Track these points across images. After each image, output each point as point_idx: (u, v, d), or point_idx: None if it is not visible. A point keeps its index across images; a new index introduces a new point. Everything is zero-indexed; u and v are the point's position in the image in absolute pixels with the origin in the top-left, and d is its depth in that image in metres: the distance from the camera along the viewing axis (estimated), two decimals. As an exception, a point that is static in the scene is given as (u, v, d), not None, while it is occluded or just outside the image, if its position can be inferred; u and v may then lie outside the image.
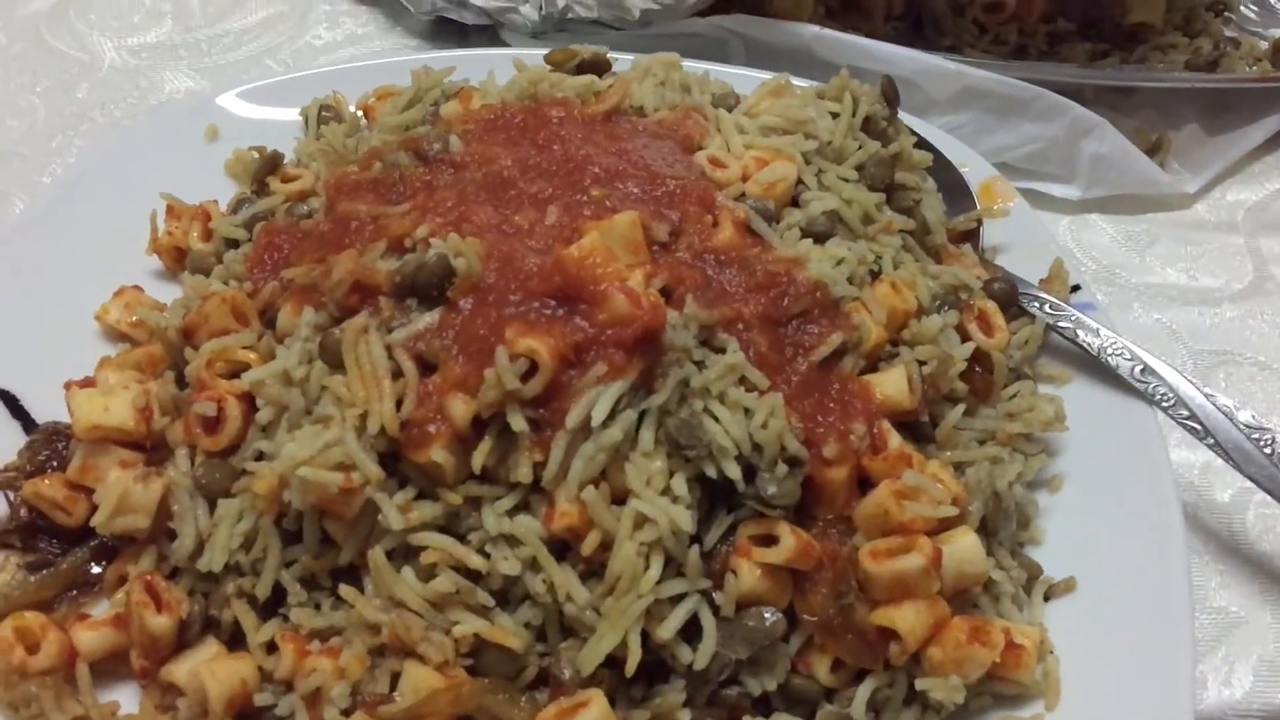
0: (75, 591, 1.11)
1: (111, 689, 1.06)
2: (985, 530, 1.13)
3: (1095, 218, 1.65)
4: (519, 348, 1.00)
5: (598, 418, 1.00)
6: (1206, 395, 1.23)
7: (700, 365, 1.06)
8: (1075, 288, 1.37)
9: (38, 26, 1.82)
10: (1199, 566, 1.28)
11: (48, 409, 1.20)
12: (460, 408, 1.01)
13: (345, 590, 1.02)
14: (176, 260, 1.36)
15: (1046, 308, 1.32)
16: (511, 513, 1.02)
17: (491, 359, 1.01)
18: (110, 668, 1.07)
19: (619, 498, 1.02)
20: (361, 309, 1.08)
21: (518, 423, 1.01)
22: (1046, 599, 1.14)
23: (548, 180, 1.17)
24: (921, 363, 1.16)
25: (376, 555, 1.00)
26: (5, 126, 1.66)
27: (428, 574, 1.01)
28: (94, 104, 1.71)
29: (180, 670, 1.03)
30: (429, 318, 1.06)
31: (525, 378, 1.01)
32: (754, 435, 1.04)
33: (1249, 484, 1.31)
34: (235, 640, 1.07)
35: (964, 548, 1.07)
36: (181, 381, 1.18)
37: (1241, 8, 1.99)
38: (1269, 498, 1.25)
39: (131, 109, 1.70)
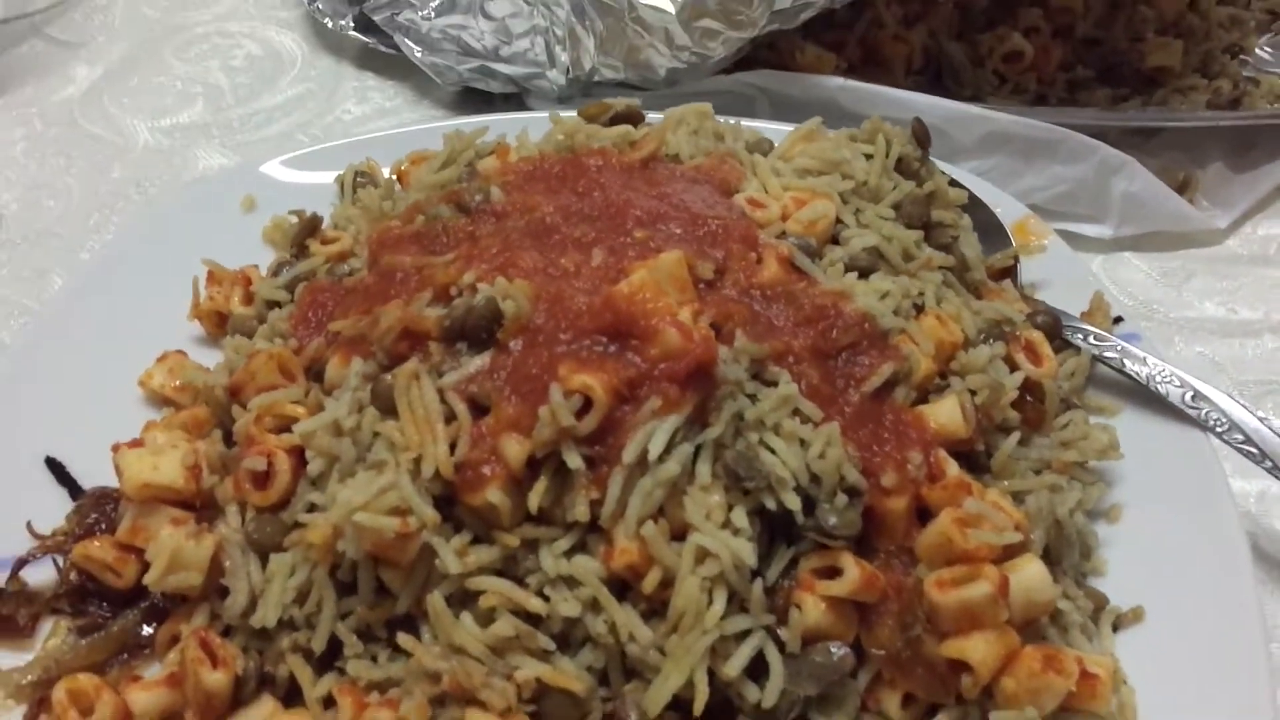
0: (126, 655, 1.09)
1: (166, 753, 1.04)
2: (1049, 559, 1.11)
3: (1129, 256, 1.65)
4: (573, 384, 1.00)
5: (654, 451, 0.99)
6: (1261, 419, 1.21)
7: (753, 398, 1.05)
8: (1118, 319, 1.36)
9: (71, 111, 1.85)
10: (1263, 596, 1.25)
11: (94, 476, 1.20)
12: (515, 448, 1.00)
13: (403, 639, 1.00)
14: (218, 325, 1.37)
15: (1091, 339, 1.31)
16: (569, 554, 1.01)
17: (544, 398, 1.00)
18: (164, 730, 1.05)
19: (678, 534, 1.00)
20: (411, 356, 1.08)
21: (574, 460, 1.00)
22: (1115, 629, 1.12)
23: (590, 225, 1.17)
24: (973, 392, 1.15)
25: (435, 600, 0.99)
26: (43, 207, 1.68)
27: (486, 619, 1.00)
28: (129, 182, 1.73)
29: (237, 729, 1.01)
30: (480, 360, 1.05)
31: (579, 415, 1.00)
32: (811, 466, 1.02)
33: (1309, 510, 1.30)
34: (291, 697, 1.05)
35: (1030, 575, 1.04)
36: (229, 441, 1.18)
37: (1257, 49, 2.01)
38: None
39: (166, 186, 1.72)
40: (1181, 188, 1.69)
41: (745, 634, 0.99)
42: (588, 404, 1.00)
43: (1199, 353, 1.51)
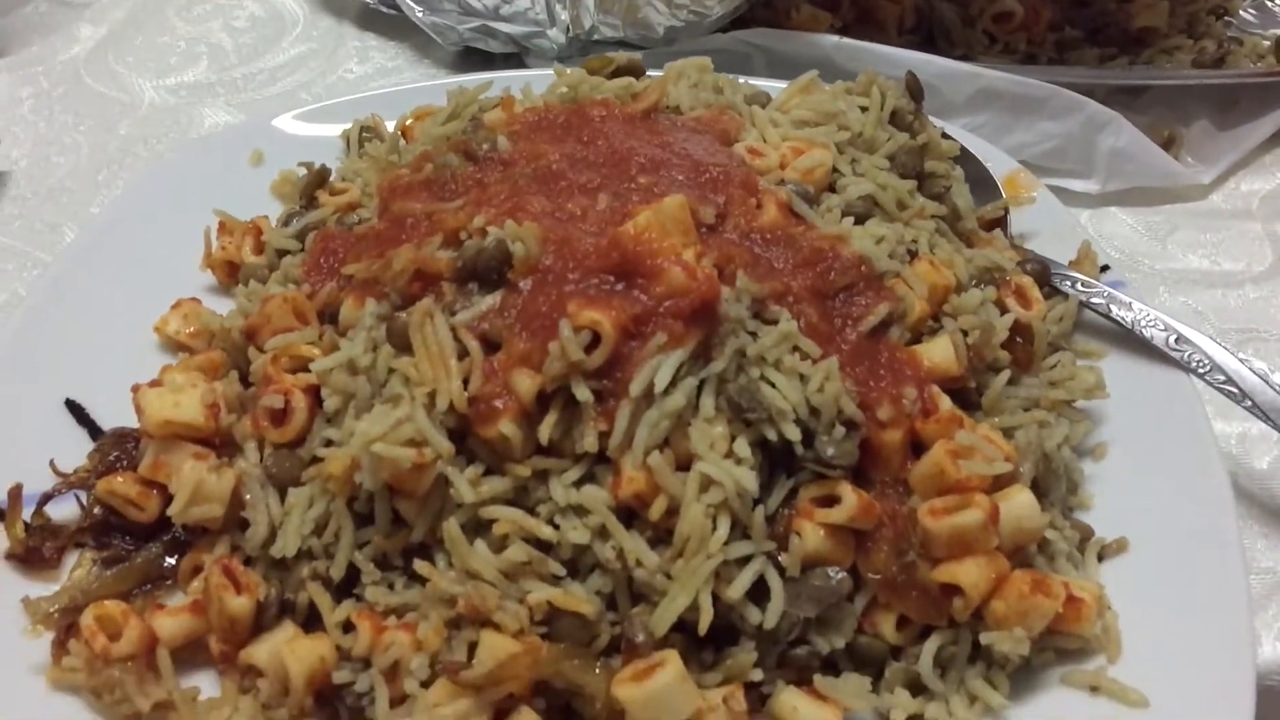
0: (150, 585, 1.13)
1: (191, 676, 1.08)
2: (1037, 491, 1.15)
3: (1115, 210, 1.69)
4: (581, 320, 1.04)
5: (660, 384, 1.03)
6: (1241, 360, 1.26)
7: (754, 336, 1.09)
8: (1105, 268, 1.40)
9: (78, 70, 1.88)
10: (1245, 530, 1.30)
11: (112, 419, 1.24)
12: (526, 382, 1.04)
13: (420, 564, 1.04)
14: (230, 275, 1.40)
15: (1079, 285, 1.35)
16: (578, 484, 1.05)
17: (554, 334, 1.04)
18: (189, 656, 1.08)
19: (683, 464, 1.04)
20: (424, 296, 1.12)
21: (583, 393, 1.04)
22: (1100, 559, 1.16)
23: (595, 171, 1.21)
24: (965, 333, 1.19)
25: (451, 527, 1.03)
26: (52, 164, 1.71)
27: (499, 546, 1.04)
28: (136, 139, 1.76)
29: (259, 652, 1.05)
30: (491, 299, 1.09)
31: (588, 350, 1.04)
32: (810, 399, 1.07)
33: (1288, 449, 1.35)
34: (310, 624, 1.09)
35: (1020, 504, 1.09)
36: (245, 383, 1.21)
37: (1241, 11, 2.05)
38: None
39: (173, 143, 1.75)
40: (1167, 144, 1.74)
41: (747, 559, 1.04)
42: (596, 339, 1.04)
43: (1183, 302, 1.56)
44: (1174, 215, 1.69)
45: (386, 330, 1.10)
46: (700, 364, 1.06)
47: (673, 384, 1.04)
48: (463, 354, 1.07)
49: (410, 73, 1.91)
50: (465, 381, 1.06)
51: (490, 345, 1.08)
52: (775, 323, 1.10)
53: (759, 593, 1.04)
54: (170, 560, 1.14)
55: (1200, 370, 1.26)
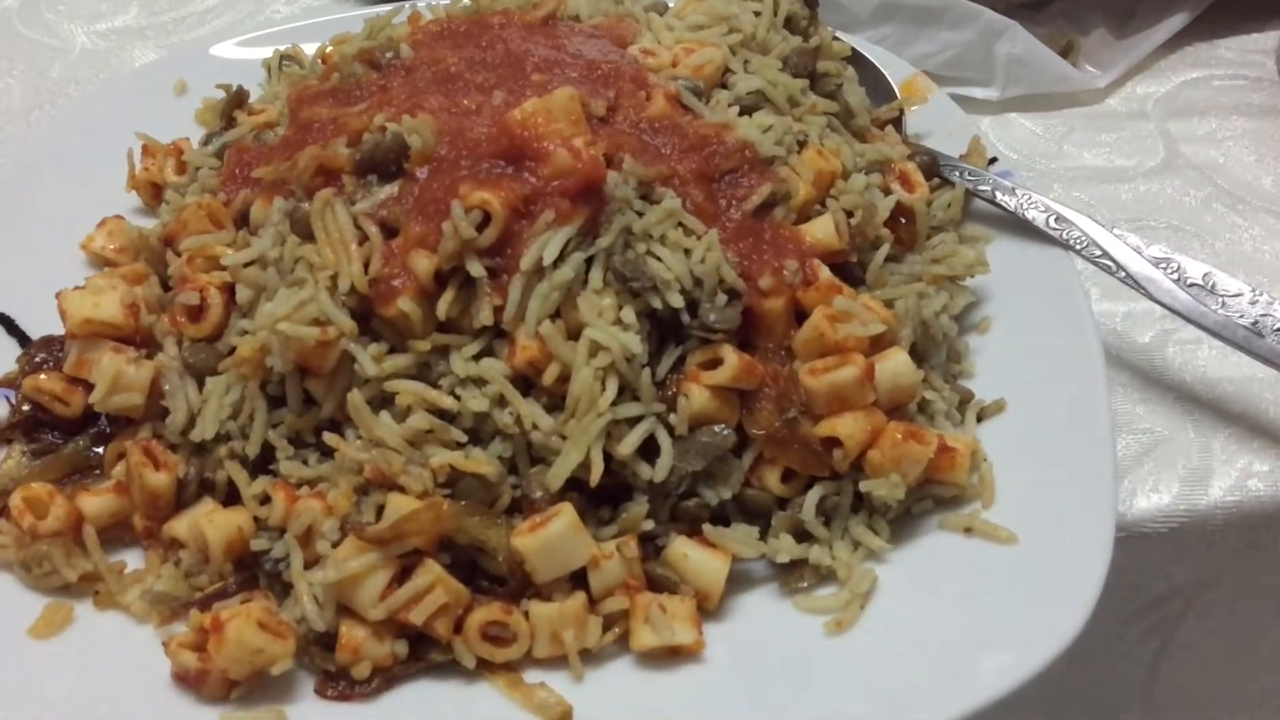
0: (79, 475, 1.18)
1: (119, 554, 1.14)
2: (916, 356, 1.22)
3: (1015, 116, 1.76)
4: (472, 200, 1.10)
5: (549, 258, 1.09)
6: (1116, 235, 1.33)
7: (640, 215, 1.15)
8: (993, 160, 1.47)
9: (10, 19, 1.92)
10: (1124, 397, 1.37)
11: (42, 330, 1.29)
12: (423, 262, 1.10)
13: (329, 436, 1.11)
14: (154, 196, 1.45)
15: (966, 175, 1.42)
16: (477, 357, 1.11)
17: (448, 217, 1.10)
18: (116, 536, 1.15)
19: (574, 334, 1.10)
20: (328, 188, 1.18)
21: (476, 269, 1.10)
22: (980, 420, 1.23)
23: (491, 72, 1.27)
24: (849, 213, 1.26)
25: (355, 398, 1.09)
26: (-16, 106, 1.76)
27: (403, 417, 1.10)
28: (68, 81, 1.81)
29: (180, 525, 1.11)
30: (390, 188, 1.15)
31: (480, 229, 1.10)
32: (694, 270, 1.13)
33: (1168, 325, 1.42)
34: (230, 501, 1.15)
35: (896, 363, 1.16)
36: (166, 288, 1.27)
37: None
38: (1185, 333, 1.36)
39: (106, 82, 1.80)
40: (1065, 52, 1.80)
41: (638, 420, 1.10)
42: (487, 219, 1.10)
43: (1075, 196, 1.63)
44: (1071, 118, 1.76)
45: (290, 222, 1.16)
46: (588, 241, 1.13)
47: (561, 259, 1.11)
48: (363, 240, 1.13)
49: (336, 13, 1.95)
50: (367, 265, 1.12)
51: (390, 231, 1.14)
52: (660, 202, 1.16)
53: (651, 452, 1.11)
54: (97, 450, 1.19)
55: (1078, 247, 1.33)
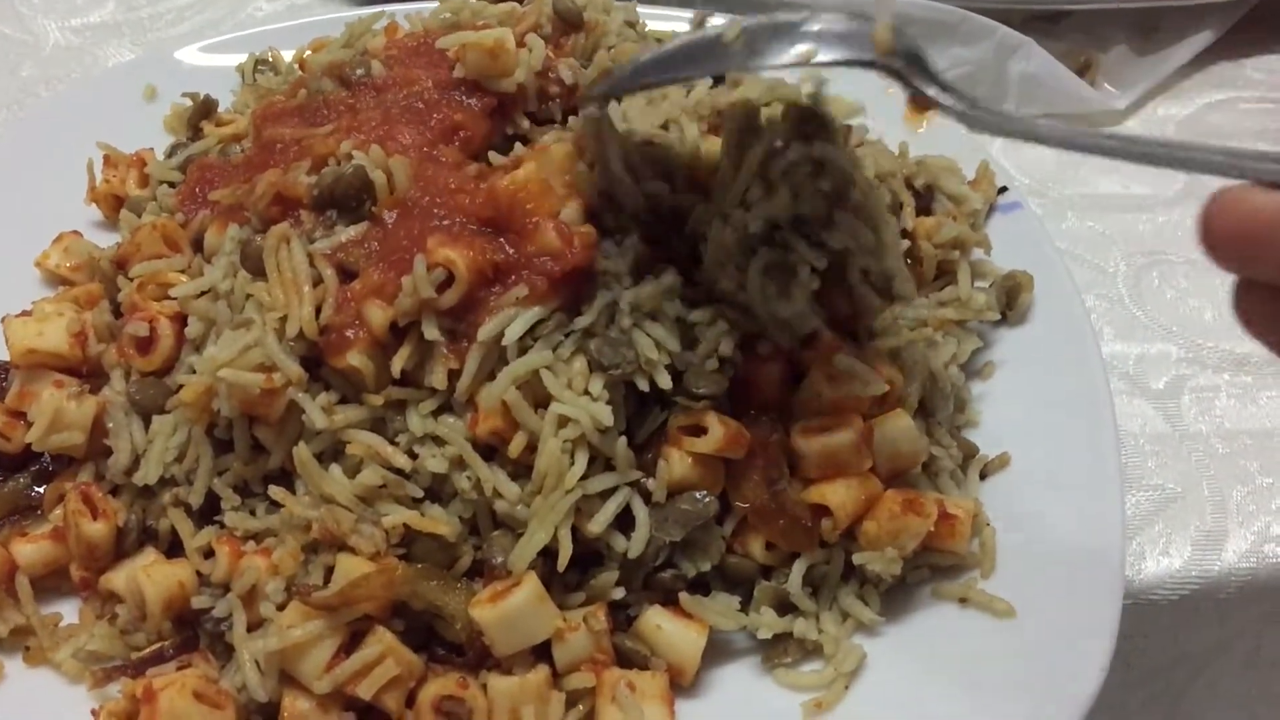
0: (18, 516, 1.12)
1: (55, 604, 1.07)
2: (924, 411, 1.14)
3: (1028, 138, 1.67)
4: (437, 257, 1.02)
5: (510, 337, 1.02)
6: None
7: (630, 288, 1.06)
8: (1003, 189, 1.39)
9: (-18, 13, 1.85)
10: (1135, 449, 1.29)
11: (-8, 353, 1.22)
12: (378, 314, 1.03)
13: (274, 490, 1.03)
14: (115, 209, 1.38)
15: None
16: (436, 413, 1.04)
17: (410, 268, 1.02)
18: (52, 584, 1.08)
19: (541, 402, 1.02)
20: (284, 221, 1.10)
21: (431, 331, 1.02)
22: (983, 477, 1.15)
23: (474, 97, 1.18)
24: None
25: (302, 451, 1.02)
26: (-49, 105, 1.68)
27: (355, 471, 1.02)
28: (38, 80, 1.73)
29: (118, 578, 1.04)
30: (355, 230, 1.07)
31: (441, 289, 1.02)
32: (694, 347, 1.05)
33: (1184, 371, 1.34)
34: (173, 551, 1.08)
35: (898, 427, 1.08)
36: (118, 313, 1.19)
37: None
38: (1201, 379, 1.28)
39: (76, 85, 1.72)
40: (1082, 70, 1.71)
41: (611, 491, 1.02)
42: (452, 278, 1.03)
43: (1089, 227, 1.54)
44: (1088, 141, 1.67)
45: (242, 254, 1.08)
46: (565, 318, 1.04)
47: (534, 337, 1.03)
48: (318, 281, 1.05)
49: (320, 11, 1.87)
50: (320, 310, 1.04)
51: (348, 275, 1.06)
52: (658, 277, 1.07)
53: (627, 521, 1.03)
54: (39, 490, 1.12)
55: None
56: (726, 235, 1.04)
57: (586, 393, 1.02)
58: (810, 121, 1.03)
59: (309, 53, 1.51)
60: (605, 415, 1.00)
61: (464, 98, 1.18)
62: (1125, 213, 1.57)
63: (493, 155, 1.15)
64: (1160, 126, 1.70)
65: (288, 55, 1.54)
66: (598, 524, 1.01)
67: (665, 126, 1.16)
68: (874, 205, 1.06)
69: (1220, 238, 0.70)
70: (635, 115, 1.18)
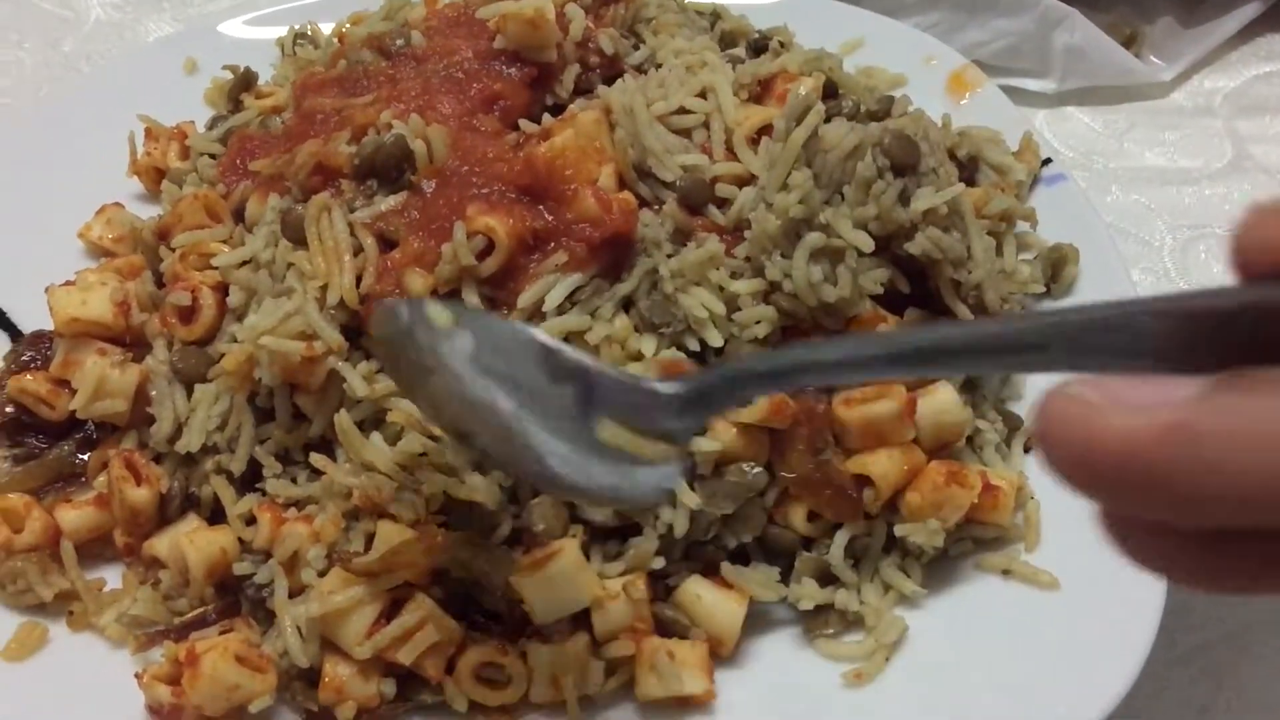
0: (63, 483, 1.13)
1: (99, 570, 1.08)
2: (969, 384, 1.13)
3: (1072, 109, 1.65)
4: (477, 225, 1.02)
5: (550, 304, 1.02)
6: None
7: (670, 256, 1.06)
8: (1047, 160, 1.37)
9: (24, -12, 1.85)
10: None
11: (36, 323, 1.23)
12: (418, 282, 1.03)
13: (315, 457, 1.03)
14: (156, 182, 1.38)
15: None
16: (478, 380, 1.03)
17: (449, 236, 1.02)
18: (97, 551, 1.09)
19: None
20: (325, 190, 1.10)
21: (471, 299, 1.02)
22: (1027, 450, 1.14)
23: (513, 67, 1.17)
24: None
25: (343, 419, 1.01)
26: (-6, 80, 1.70)
27: (395, 438, 1.03)
28: (79, 55, 1.74)
29: (161, 544, 1.05)
30: (393, 199, 1.07)
31: (481, 256, 1.02)
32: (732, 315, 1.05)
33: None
34: (215, 518, 1.09)
35: (941, 399, 1.07)
36: (160, 284, 1.20)
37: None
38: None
39: (117, 58, 1.73)
40: (1128, 42, 1.68)
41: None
42: (492, 246, 1.02)
43: (1135, 200, 1.52)
44: (1133, 113, 1.64)
45: (283, 223, 1.08)
46: (605, 284, 1.04)
47: (572, 303, 1.03)
48: (358, 250, 1.05)
49: (360, -15, 1.87)
50: (360, 278, 1.04)
51: (388, 244, 1.06)
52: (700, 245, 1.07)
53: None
54: (83, 457, 1.13)
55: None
56: (770, 222, 1.04)
57: (640, 355, 1.02)
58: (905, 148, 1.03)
59: (348, 26, 1.52)
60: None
61: (504, 68, 1.18)
62: (1170, 185, 1.54)
63: (523, 123, 1.14)
64: (1207, 99, 1.66)
65: (326, 29, 1.54)
66: None
67: (703, 95, 1.15)
68: (964, 215, 1.04)
69: (1070, 470, 0.47)
70: (675, 83, 1.17)
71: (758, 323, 1.05)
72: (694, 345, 1.04)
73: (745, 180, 1.10)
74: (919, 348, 0.58)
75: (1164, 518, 0.46)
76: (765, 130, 1.11)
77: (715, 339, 1.04)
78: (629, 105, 1.09)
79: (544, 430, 0.75)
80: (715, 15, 1.42)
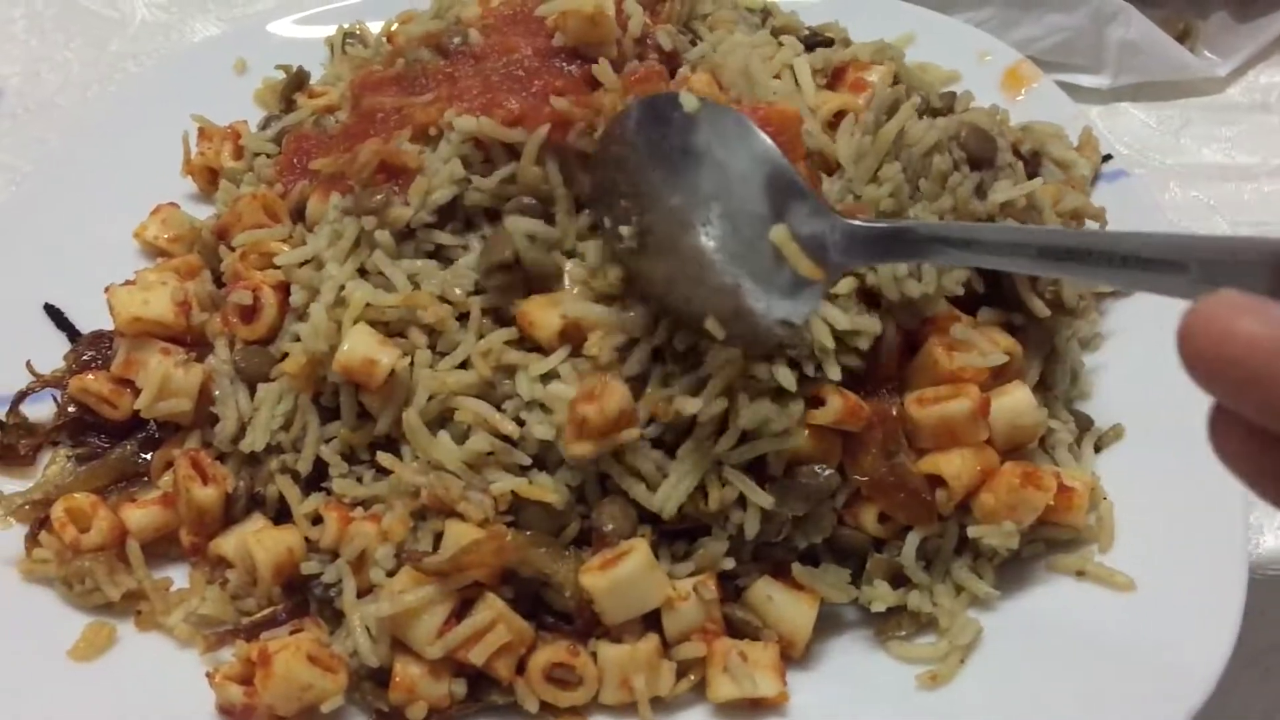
0: (126, 482, 1.12)
1: (164, 569, 1.08)
2: (1043, 385, 1.12)
3: (1127, 105, 1.63)
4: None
5: None
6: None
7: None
8: (1107, 157, 1.35)
9: (70, -10, 1.86)
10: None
11: (93, 324, 1.23)
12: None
13: (383, 456, 1.03)
14: (210, 182, 1.38)
15: (1078, 175, 1.30)
16: (545, 378, 1.02)
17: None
18: (162, 550, 1.09)
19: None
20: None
21: None
22: (1098, 450, 1.13)
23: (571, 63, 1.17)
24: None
25: (410, 416, 1.01)
26: (42, 80, 1.69)
27: (462, 437, 1.02)
28: (126, 56, 1.74)
29: (228, 543, 1.05)
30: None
31: None
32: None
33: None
34: (281, 518, 1.08)
35: (1016, 399, 1.05)
36: (219, 283, 1.20)
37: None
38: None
39: (166, 59, 1.73)
40: (1182, 37, 1.66)
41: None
42: None
43: (1194, 196, 1.50)
44: (1188, 109, 1.62)
45: (349, 223, 1.08)
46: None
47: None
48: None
49: (406, -16, 1.87)
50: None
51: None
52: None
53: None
54: (145, 457, 1.13)
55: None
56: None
57: None
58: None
59: (397, 24, 1.51)
60: None
61: (564, 65, 1.17)
62: (1229, 182, 1.52)
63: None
64: (1262, 94, 1.64)
65: (374, 27, 1.54)
66: (728, 493, 0.99)
67: (778, 75, 1.14)
68: (1041, 210, 1.03)
69: (1198, 360, 0.55)
70: (757, 60, 1.16)
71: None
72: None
73: (829, 164, 1.09)
74: (1068, 246, 0.69)
75: (1263, 421, 0.52)
76: (839, 116, 1.10)
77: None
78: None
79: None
80: (766, 12, 1.41)
